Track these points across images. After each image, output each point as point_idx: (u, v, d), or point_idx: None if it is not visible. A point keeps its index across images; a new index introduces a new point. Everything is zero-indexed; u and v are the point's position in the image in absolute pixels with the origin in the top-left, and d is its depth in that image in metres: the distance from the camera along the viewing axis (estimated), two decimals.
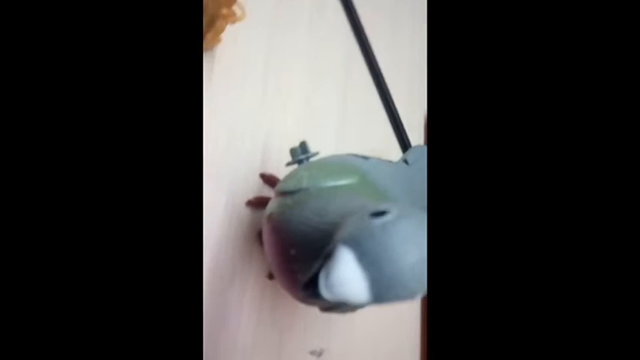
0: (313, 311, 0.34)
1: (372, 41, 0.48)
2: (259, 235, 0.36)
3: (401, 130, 0.47)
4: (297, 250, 0.26)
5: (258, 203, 0.37)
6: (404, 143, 0.47)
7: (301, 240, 0.25)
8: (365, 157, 0.32)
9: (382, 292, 0.19)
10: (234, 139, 0.37)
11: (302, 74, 0.43)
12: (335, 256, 0.20)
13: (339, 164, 0.30)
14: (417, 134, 0.50)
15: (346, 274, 0.19)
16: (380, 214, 0.20)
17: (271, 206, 0.29)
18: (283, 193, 0.29)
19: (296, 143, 0.35)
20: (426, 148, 0.40)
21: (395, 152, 0.47)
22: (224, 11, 0.33)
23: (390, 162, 0.36)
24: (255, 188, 0.38)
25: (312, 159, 0.33)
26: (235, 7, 0.34)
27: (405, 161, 0.37)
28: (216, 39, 0.35)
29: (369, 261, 0.19)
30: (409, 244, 0.19)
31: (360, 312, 0.30)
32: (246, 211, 0.37)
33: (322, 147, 0.35)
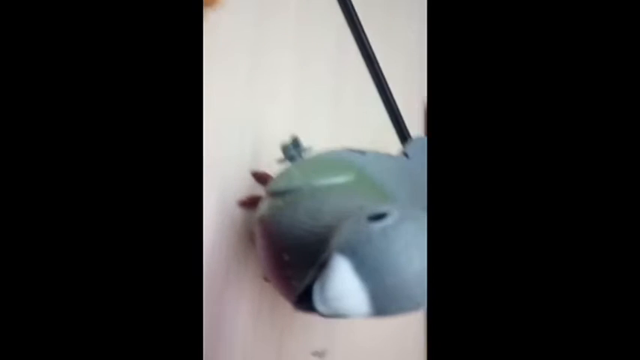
0: None
1: (364, 24, 0.46)
2: (253, 236, 0.35)
3: (399, 119, 0.45)
4: (290, 255, 0.24)
5: (250, 203, 0.35)
6: (402, 134, 0.45)
7: (294, 244, 0.23)
8: (362, 152, 0.30)
9: (384, 304, 0.17)
10: (222, 134, 0.36)
11: (291, 62, 0.41)
12: (330, 267, 0.18)
13: (333, 160, 0.28)
14: (415, 123, 0.48)
15: (343, 286, 0.17)
16: (379, 217, 0.18)
17: (262, 208, 0.27)
18: (274, 194, 0.27)
19: (287, 137, 0.33)
20: (426, 140, 0.39)
21: (393, 144, 0.46)
22: None
23: (389, 156, 0.34)
24: (247, 186, 0.36)
25: (304, 155, 0.31)
26: None
27: (405, 154, 0.35)
28: None
29: (367, 271, 0.17)
30: (412, 250, 0.17)
31: None
32: (238, 211, 0.35)
33: (315, 141, 0.34)
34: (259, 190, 0.36)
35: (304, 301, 0.19)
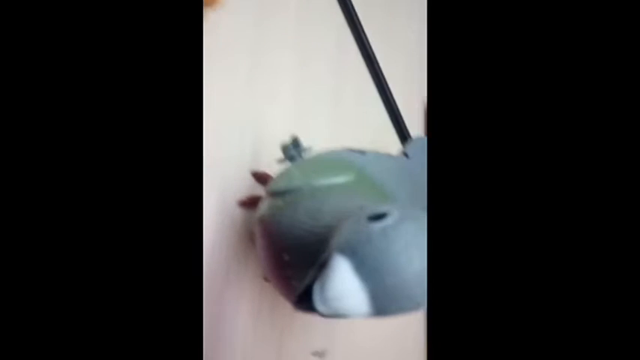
0: None
1: (364, 24, 0.46)
2: (253, 236, 0.35)
3: (399, 119, 0.45)
4: (290, 255, 0.24)
5: (250, 203, 0.35)
6: (402, 134, 0.45)
7: (294, 245, 0.23)
8: (362, 152, 0.30)
9: (384, 304, 0.17)
10: (222, 134, 0.36)
11: (291, 62, 0.41)
12: (330, 267, 0.18)
13: (333, 160, 0.28)
14: (415, 123, 0.48)
15: (343, 286, 0.17)
16: (379, 217, 0.18)
17: (262, 208, 0.27)
18: (274, 194, 0.27)
19: (287, 137, 0.33)
20: (426, 139, 0.38)
21: (393, 144, 0.46)
22: None
23: (389, 155, 0.34)
24: (247, 186, 0.36)
25: (304, 155, 0.31)
26: None
27: (405, 154, 0.35)
28: None
29: (368, 271, 0.17)
30: (412, 250, 0.17)
31: None
32: (238, 211, 0.35)
33: (315, 141, 0.34)
34: (259, 190, 0.36)
35: (304, 301, 0.19)
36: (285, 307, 0.36)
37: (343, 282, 0.17)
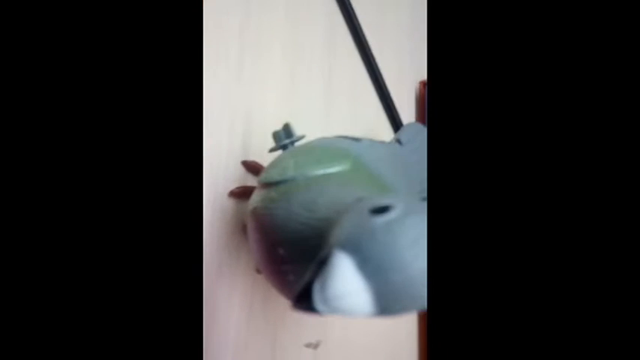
0: None
1: (356, 9, 0.45)
2: (244, 228, 0.34)
3: (391, 106, 0.44)
4: (285, 249, 0.23)
5: (241, 194, 0.34)
6: (395, 121, 0.44)
7: (290, 238, 0.22)
8: (356, 139, 0.29)
9: (389, 303, 0.16)
10: (211, 122, 0.34)
11: (282, 48, 0.40)
12: (331, 264, 0.17)
13: (328, 149, 0.27)
14: (408, 110, 0.47)
15: (345, 285, 0.16)
16: (382, 209, 0.17)
17: (254, 199, 0.26)
18: (267, 185, 0.26)
19: (278, 126, 0.31)
20: (420, 125, 0.38)
21: (386, 131, 0.45)
22: None
23: (384, 143, 0.33)
24: (238, 176, 0.35)
25: (297, 143, 0.30)
26: None
27: (399, 141, 0.34)
28: None
29: (372, 268, 0.16)
30: (418, 246, 0.16)
31: None
32: (229, 202, 0.34)
33: (307, 129, 0.33)
34: (250, 180, 0.35)
35: (302, 302, 0.18)
36: (278, 299, 0.36)
37: (345, 280, 0.16)
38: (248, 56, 0.37)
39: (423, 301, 0.17)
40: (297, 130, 0.31)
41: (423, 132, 0.37)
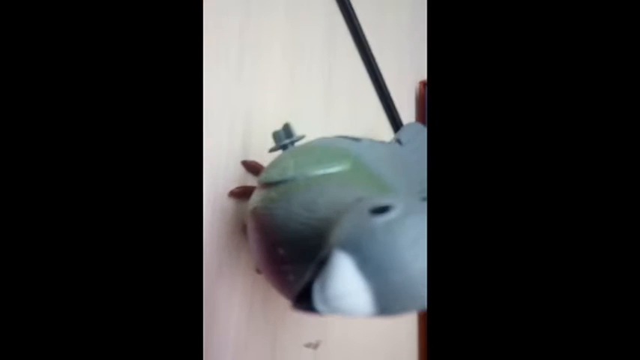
0: None
1: (356, 9, 0.44)
2: (244, 228, 0.34)
3: (391, 107, 0.44)
4: (285, 249, 0.23)
5: (241, 194, 0.34)
6: (395, 121, 0.44)
7: (290, 238, 0.22)
8: (356, 139, 0.29)
9: (389, 304, 0.16)
10: (211, 122, 0.34)
11: (282, 48, 0.40)
12: (331, 264, 0.17)
13: (328, 149, 0.27)
14: (408, 111, 0.47)
15: (345, 285, 0.16)
16: (382, 209, 0.17)
17: (254, 200, 0.26)
18: (266, 185, 0.26)
19: (278, 126, 0.31)
20: (419, 125, 0.38)
21: (386, 132, 0.45)
22: None
23: (383, 143, 0.33)
24: (238, 176, 0.35)
25: (297, 143, 0.30)
26: None
27: (399, 141, 0.34)
28: None
29: (372, 269, 0.16)
30: (418, 246, 0.16)
31: None
32: (229, 202, 0.34)
33: (307, 129, 0.33)
34: (250, 180, 0.35)
35: (302, 302, 0.18)
36: (278, 299, 0.36)
37: (345, 280, 0.16)
38: (248, 56, 0.37)
39: (423, 301, 0.17)
40: (297, 130, 0.31)
41: (423, 132, 0.37)
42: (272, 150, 0.31)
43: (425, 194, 0.30)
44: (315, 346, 0.37)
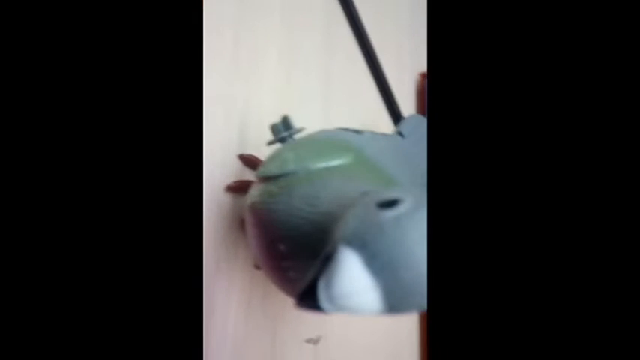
0: None
1: (355, 0, 0.44)
2: (242, 223, 0.33)
3: (391, 98, 0.43)
4: (286, 245, 0.22)
5: (239, 188, 0.33)
6: (395, 112, 0.43)
7: (291, 234, 0.21)
8: (357, 132, 0.28)
9: (398, 301, 0.16)
10: (206, 115, 0.33)
11: (278, 39, 0.39)
12: (337, 261, 0.16)
13: (329, 141, 0.26)
14: (408, 102, 0.46)
15: (352, 282, 0.15)
16: (390, 203, 0.16)
17: (252, 194, 0.25)
18: (266, 179, 0.25)
19: (276, 118, 0.31)
20: (421, 117, 0.37)
21: (386, 123, 0.44)
22: None
23: (385, 135, 0.32)
24: (235, 170, 0.34)
25: (296, 136, 0.29)
26: None
27: (400, 134, 0.34)
28: None
29: (380, 265, 0.15)
30: (427, 241, 0.16)
31: None
32: (226, 197, 0.33)
33: (307, 122, 0.32)
34: (247, 175, 0.35)
35: (306, 300, 0.17)
36: (277, 295, 0.35)
37: (352, 278, 0.15)
38: (244, 48, 0.36)
39: None
40: (296, 123, 0.31)
41: (424, 124, 0.36)
42: (270, 143, 0.30)
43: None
44: (315, 341, 0.37)
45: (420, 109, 0.47)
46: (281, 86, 0.38)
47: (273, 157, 0.26)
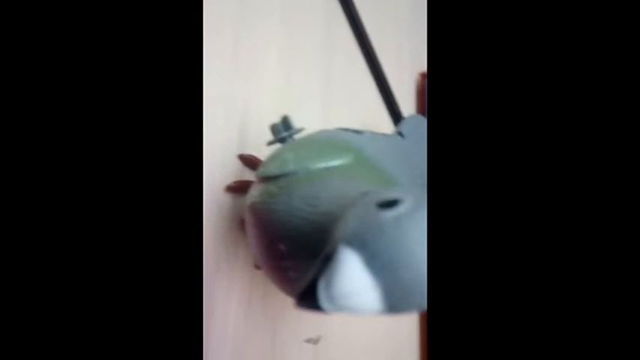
0: None
1: (355, 0, 0.44)
2: (242, 223, 0.33)
3: (391, 98, 0.43)
4: (286, 245, 0.22)
5: (238, 188, 0.33)
6: (395, 112, 0.43)
7: (291, 234, 0.22)
8: (357, 132, 0.28)
9: (398, 301, 0.16)
10: (206, 114, 0.34)
11: (278, 39, 0.39)
12: (337, 261, 0.16)
13: (329, 141, 0.26)
14: (408, 102, 0.46)
15: (352, 283, 0.15)
16: (390, 203, 0.16)
17: (252, 194, 0.25)
18: (266, 179, 0.25)
19: (276, 118, 0.31)
20: (421, 117, 0.37)
21: (386, 123, 0.44)
22: None
23: (385, 135, 0.32)
24: (235, 170, 0.34)
25: (296, 136, 0.29)
26: None
27: (400, 134, 0.34)
28: None
29: (380, 265, 0.15)
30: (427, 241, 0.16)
31: None
32: (226, 197, 0.33)
33: (307, 122, 0.32)
34: (247, 175, 0.35)
35: (306, 300, 0.17)
36: (277, 295, 0.35)
37: (352, 278, 0.15)
38: (243, 48, 0.36)
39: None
40: (296, 123, 0.31)
41: (423, 124, 0.36)
42: (270, 143, 0.30)
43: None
44: (315, 341, 0.37)
45: (420, 109, 0.47)
46: (281, 86, 0.38)
47: (273, 157, 0.26)
